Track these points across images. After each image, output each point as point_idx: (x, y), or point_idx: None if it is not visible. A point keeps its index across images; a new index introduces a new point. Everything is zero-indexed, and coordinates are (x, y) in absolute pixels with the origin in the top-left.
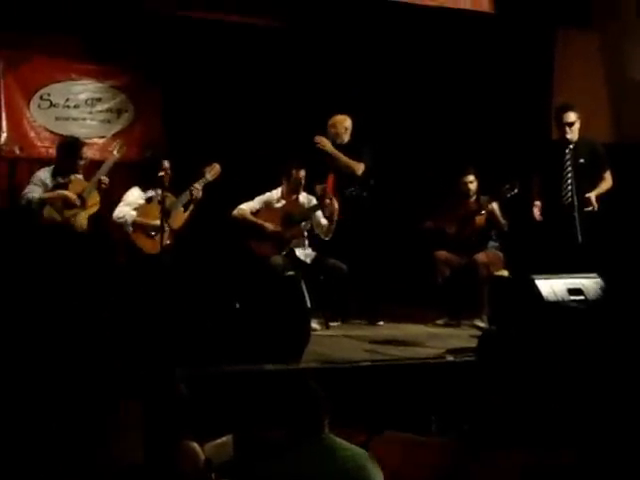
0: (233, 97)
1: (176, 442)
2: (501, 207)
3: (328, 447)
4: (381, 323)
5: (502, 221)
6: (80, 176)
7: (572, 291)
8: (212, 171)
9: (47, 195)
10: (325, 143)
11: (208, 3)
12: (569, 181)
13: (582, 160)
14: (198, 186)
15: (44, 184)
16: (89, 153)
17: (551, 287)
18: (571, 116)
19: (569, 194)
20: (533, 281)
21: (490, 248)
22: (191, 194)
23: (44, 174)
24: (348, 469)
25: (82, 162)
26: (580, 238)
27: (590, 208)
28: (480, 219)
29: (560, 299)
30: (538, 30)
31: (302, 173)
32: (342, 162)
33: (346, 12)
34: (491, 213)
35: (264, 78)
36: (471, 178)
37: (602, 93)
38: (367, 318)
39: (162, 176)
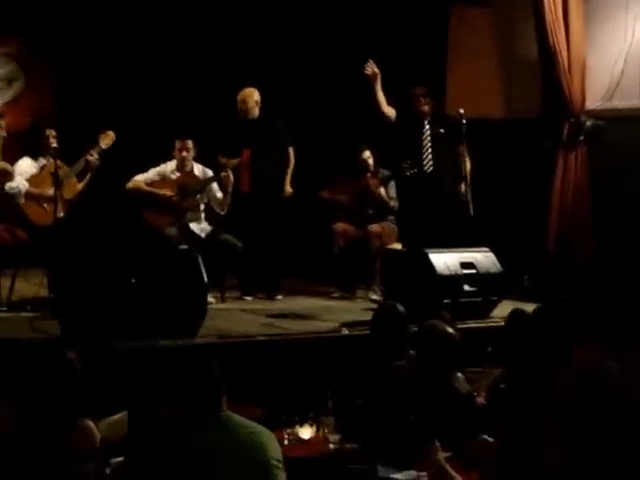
0: (126, 65)
1: (71, 420)
2: (396, 183)
3: (226, 425)
4: (280, 297)
5: (390, 203)
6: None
7: (464, 265)
8: (106, 139)
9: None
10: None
11: None
12: (429, 150)
13: (442, 130)
14: (93, 153)
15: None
16: None
17: (443, 261)
18: (420, 89)
19: (430, 162)
20: (426, 255)
21: (387, 221)
22: (86, 162)
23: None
24: (247, 447)
25: (2, 132)
26: (472, 211)
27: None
28: (379, 192)
29: (453, 273)
30: (433, 5)
31: (189, 144)
32: None
33: None
34: (379, 196)
35: (157, 44)
36: (367, 154)
37: (494, 69)
38: (266, 292)
39: (55, 146)
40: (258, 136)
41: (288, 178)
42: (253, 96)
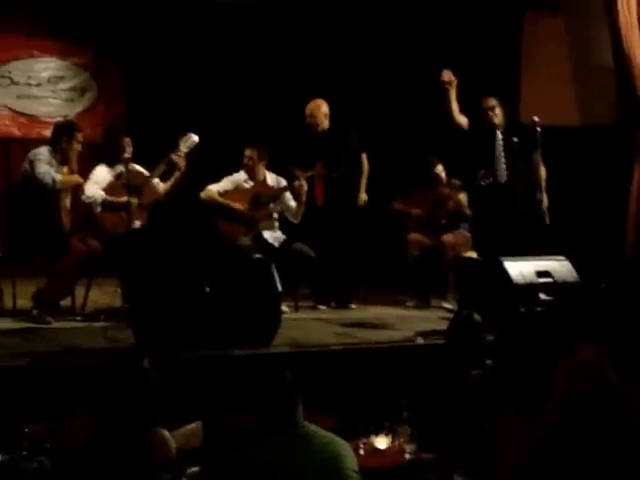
0: (196, 74)
1: (147, 430)
2: (470, 192)
3: (302, 435)
4: (353, 306)
5: (466, 211)
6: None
7: (540, 273)
8: (188, 141)
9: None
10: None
11: None
12: (502, 160)
13: (516, 140)
14: (175, 156)
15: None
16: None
17: (519, 269)
18: (491, 101)
19: (504, 173)
20: (502, 263)
21: (460, 229)
22: (169, 164)
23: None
24: (323, 457)
25: (78, 146)
26: (547, 220)
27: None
28: (451, 203)
29: (529, 281)
30: (506, 13)
31: (253, 153)
32: None
33: None
34: (457, 203)
35: (228, 55)
36: (440, 168)
37: (568, 77)
38: (339, 301)
39: (127, 156)
40: (330, 147)
41: (363, 185)
42: (321, 108)
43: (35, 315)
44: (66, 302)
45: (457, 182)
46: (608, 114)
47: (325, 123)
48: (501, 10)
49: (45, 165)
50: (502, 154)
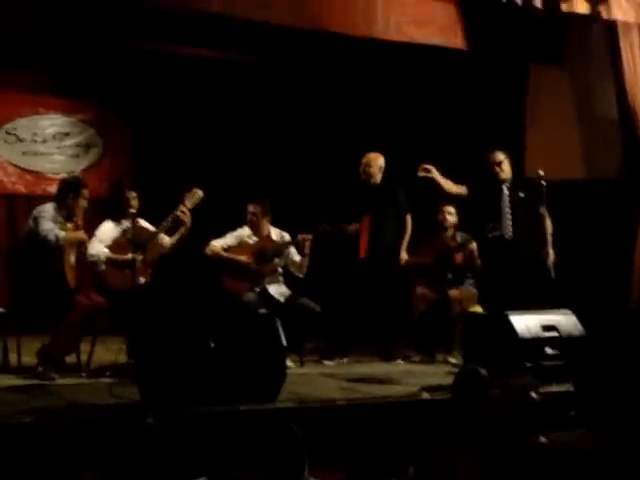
0: (202, 131)
1: None
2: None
3: None
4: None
5: (478, 262)
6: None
7: (546, 327)
8: (193, 197)
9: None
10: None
11: (177, 37)
12: (508, 216)
13: (522, 194)
14: (180, 211)
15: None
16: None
17: (525, 323)
18: (499, 156)
19: (509, 229)
20: (507, 317)
21: (465, 284)
22: (175, 220)
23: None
24: None
25: (84, 202)
26: (553, 274)
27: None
28: (459, 257)
29: (534, 335)
30: (510, 66)
31: (256, 208)
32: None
33: (315, 49)
34: (470, 253)
35: (233, 112)
36: (451, 210)
37: (573, 129)
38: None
39: (133, 211)
40: (379, 202)
41: (404, 244)
42: (378, 161)
43: (40, 372)
44: (71, 358)
45: (465, 235)
46: (613, 167)
47: (378, 177)
48: (505, 63)
49: (49, 222)
50: (508, 209)
